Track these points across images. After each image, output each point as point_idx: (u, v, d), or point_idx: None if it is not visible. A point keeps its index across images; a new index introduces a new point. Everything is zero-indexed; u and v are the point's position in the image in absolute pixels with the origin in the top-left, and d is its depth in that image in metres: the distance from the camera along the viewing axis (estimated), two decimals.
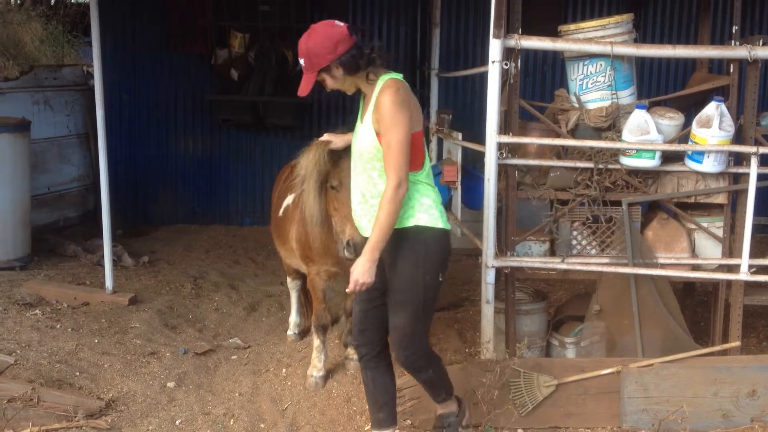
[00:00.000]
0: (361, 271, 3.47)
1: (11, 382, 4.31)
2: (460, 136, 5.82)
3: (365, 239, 3.69)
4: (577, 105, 4.60)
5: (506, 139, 4.37)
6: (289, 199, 4.90)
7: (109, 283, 6.15)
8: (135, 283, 6.70)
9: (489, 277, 4.42)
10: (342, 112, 8.97)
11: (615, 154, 4.45)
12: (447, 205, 5.78)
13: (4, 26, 9.41)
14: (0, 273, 6.43)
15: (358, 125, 3.67)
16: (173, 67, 8.73)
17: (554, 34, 4.60)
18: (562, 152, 4.62)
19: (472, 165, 6.14)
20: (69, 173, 8.52)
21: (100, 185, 6.10)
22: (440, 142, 7.15)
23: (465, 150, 5.65)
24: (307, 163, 4.10)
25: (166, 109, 8.85)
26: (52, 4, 12.71)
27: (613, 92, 4.49)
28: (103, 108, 5.96)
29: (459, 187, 5.71)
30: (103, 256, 6.32)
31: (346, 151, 3.96)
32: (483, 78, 8.10)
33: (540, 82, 8.83)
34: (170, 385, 4.73)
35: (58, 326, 5.47)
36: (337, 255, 4.53)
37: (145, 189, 8.88)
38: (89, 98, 8.28)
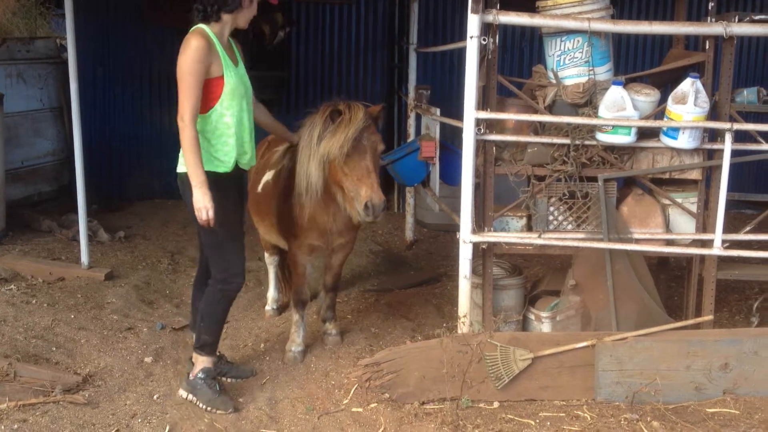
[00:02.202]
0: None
1: None
2: (438, 111, 5.81)
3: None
4: (554, 81, 4.61)
5: (484, 115, 4.37)
6: (268, 175, 4.88)
7: (84, 258, 6.11)
8: (111, 258, 6.66)
9: (466, 253, 4.44)
10: (320, 86, 8.93)
11: (591, 130, 4.46)
12: (425, 181, 5.79)
13: None
14: None
15: (236, 67, 4.08)
16: (148, 41, 8.61)
17: (533, 9, 4.59)
18: (539, 128, 4.62)
19: (451, 141, 6.14)
20: (43, 147, 8.42)
21: (75, 159, 6.03)
22: (418, 117, 7.13)
23: (443, 125, 5.65)
24: (313, 131, 4.24)
25: (141, 83, 8.74)
26: None
27: (590, 68, 4.49)
28: (77, 81, 5.88)
29: (437, 163, 5.72)
30: (78, 231, 6.27)
31: (353, 114, 4.18)
32: (461, 53, 8.10)
33: (518, 58, 8.84)
34: (148, 360, 4.73)
35: (34, 301, 5.44)
36: (321, 227, 4.56)
37: (120, 163, 8.80)
38: (63, 71, 8.18)
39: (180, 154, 4.05)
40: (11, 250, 6.61)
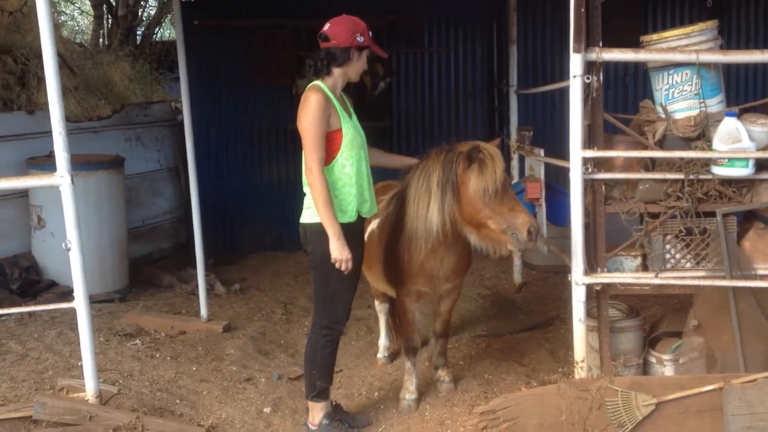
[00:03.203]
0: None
1: (115, 411, 4.44)
2: (542, 152, 5.77)
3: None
4: (663, 115, 4.50)
5: (591, 153, 4.30)
6: (374, 224, 4.94)
7: (204, 311, 6.34)
8: (228, 310, 6.87)
9: (580, 295, 4.34)
10: (422, 133, 9.03)
11: (706, 164, 4.32)
12: None
13: (95, 67, 9.86)
14: (101, 305, 6.69)
15: (351, 119, 4.23)
16: (256, 99, 8.97)
17: (634, 44, 4.52)
18: (650, 164, 4.51)
19: (555, 180, 6.07)
20: (161, 206, 8.84)
21: (192, 216, 6.29)
22: (521, 159, 7.10)
23: (547, 166, 5.60)
24: (431, 176, 4.28)
25: (250, 140, 9.08)
26: (138, 43, 13.27)
27: (701, 101, 4.37)
28: (193, 142, 6.16)
29: (543, 204, 5.65)
30: (197, 286, 6.52)
31: (491, 150, 4.24)
32: (562, 92, 8.02)
33: (622, 93, 8.68)
34: (266, 410, 4.82)
35: (158, 355, 5.65)
36: (429, 273, 4.56)
37: (233, 218, 9.11)
38: (178, 133, 8.61)
39: (305, 205, 4.22)
40: (135, 306, 6.93)
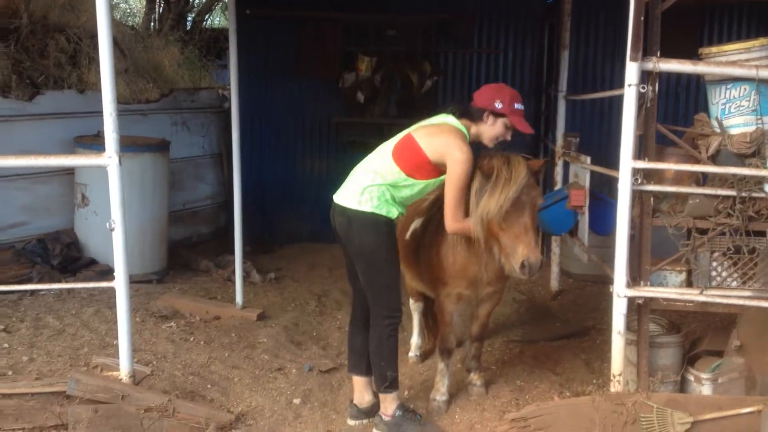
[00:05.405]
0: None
1: (147, 392, 4.48)
2: (588, 159, 5.67)
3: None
4: (718, 130, 4.40)
5: (642, 164, 4.21)
6: (416, 223, 4.90)
7: (239, 298, 6.37)
8: (262, 299, 6.90)
9: (621, 307, 4.26)
10: None
11: (760, 182, 4.21)
12: (573, 230, 5.64)
13: (145, 50, 9.97)
14: (138, 285, 6.75)
15: None
16: (302, 91, 8.99)
17: (687, 55, 4.42)
18: (701, 179, 4.42)
19: (599, 189, 5.97)
20: (203, 191, 8.91)
21: (234, 204, 6.31)
22: (566, 165, 7.00)
23: (592, 173, 5.50)
24: (477, 182, 4.29)
25: (294, 131, 9.10)
26: (188, 29, 13.41)
27: (759, 117, 4.26)
28: (239, 130, 6.18)
29: (586, 212, 5.56)
30: (233, 272, 6.56)
31: (515, 171, 4.19)
32: (612, 100, 7.92)
33: (673, 105, 8.52)
34: (296, 401, 4.82)
35: (192, 339, 5.69)
36: (472, 277, 4.53)
37: (272, 208, 9.14)
38: (223, 120, 8.68)
39: (354, 190, 4.26)
40: (172, 288, 6.99)
